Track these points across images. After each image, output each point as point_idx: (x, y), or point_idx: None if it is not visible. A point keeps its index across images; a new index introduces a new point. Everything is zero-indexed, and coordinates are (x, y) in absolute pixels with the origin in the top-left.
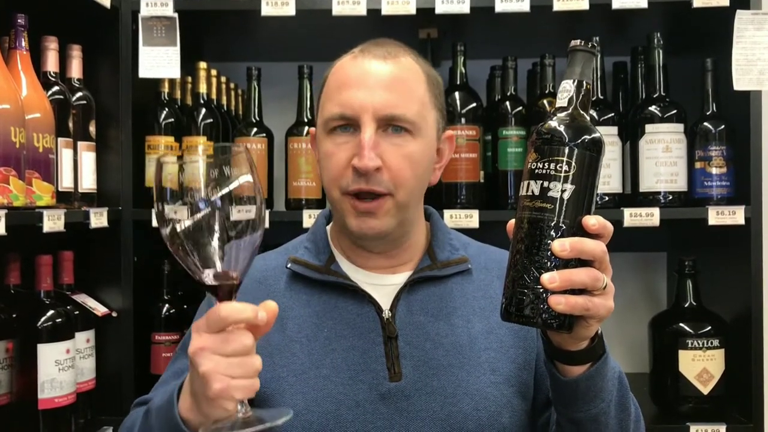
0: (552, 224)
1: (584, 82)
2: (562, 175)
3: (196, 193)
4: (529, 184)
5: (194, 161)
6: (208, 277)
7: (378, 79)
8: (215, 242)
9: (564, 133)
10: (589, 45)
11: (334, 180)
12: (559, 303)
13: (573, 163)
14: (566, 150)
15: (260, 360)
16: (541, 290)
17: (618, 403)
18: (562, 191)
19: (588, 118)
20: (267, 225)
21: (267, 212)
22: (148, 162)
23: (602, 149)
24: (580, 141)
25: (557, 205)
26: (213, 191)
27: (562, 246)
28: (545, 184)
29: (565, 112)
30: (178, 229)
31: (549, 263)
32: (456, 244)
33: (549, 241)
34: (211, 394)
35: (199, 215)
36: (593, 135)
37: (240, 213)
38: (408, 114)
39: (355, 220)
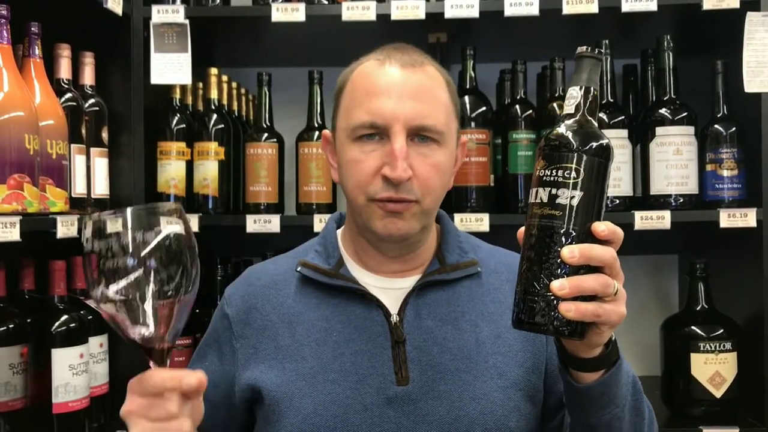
0: (561, 231)
1: (591, 89)
2: (571, 182)
3: (126, 253)
4: (537, 191)
5: (123, 220)
6: (140, 338)
7: (408, 89)
8: (148, 304)
9: (572, 139)
10: (596, 51)
11: (360, 187)
12: (569, 310)
13: (581, 170)
14: (574, 157)
15: (189, 423)
16: (552, 297)
17: (632, 407)
18: (571, 198)
19: (596, 125)
20: (278, 230)
21: (277, 221)
22: (160, 168)
23: (611, 155)
24: (588, 147)
25: (566, 212)
26: (142, 250)
27: (571, 253)
28: (554, 191)
29: (572, 119)
30: (110, 293)
31: (559, 270)
32: (465, 247)
33: (558, 248)
34: None
35: (130, 276)
36: (601, 141)
37: (172, 272)
38: (438, 125)
39: (381, 221)
